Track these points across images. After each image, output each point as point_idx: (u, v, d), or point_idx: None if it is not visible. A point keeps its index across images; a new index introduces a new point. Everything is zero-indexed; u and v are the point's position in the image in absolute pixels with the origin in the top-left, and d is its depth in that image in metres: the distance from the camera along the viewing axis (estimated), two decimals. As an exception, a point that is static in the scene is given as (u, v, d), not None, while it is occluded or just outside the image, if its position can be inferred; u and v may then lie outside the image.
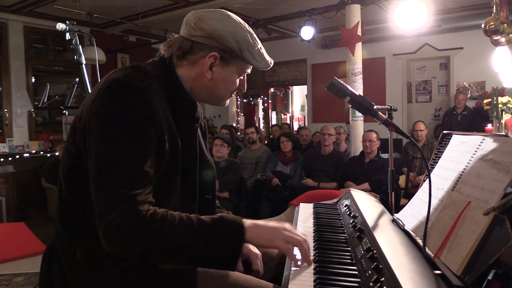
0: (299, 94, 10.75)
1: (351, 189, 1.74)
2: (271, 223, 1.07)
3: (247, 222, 1.03)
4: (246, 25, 1.15)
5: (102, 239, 0.93)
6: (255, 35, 1.16)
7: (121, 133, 0.96)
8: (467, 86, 6.63)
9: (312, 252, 1.09)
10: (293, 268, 1.01)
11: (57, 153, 5.83)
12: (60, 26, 2.37)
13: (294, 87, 10.17)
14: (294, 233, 1.05)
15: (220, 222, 1.00)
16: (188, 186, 1.14)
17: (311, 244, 1.13)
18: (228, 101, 1.24)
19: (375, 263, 0.92)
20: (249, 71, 1.20)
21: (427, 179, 1.11)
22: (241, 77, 1.19)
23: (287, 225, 1.07)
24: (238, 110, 9.37)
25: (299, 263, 1.03)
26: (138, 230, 0.92)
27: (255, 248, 1.21)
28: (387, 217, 1.38)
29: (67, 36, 2.42)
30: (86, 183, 1.01)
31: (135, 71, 1.05)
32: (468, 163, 1.12)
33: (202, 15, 1.12)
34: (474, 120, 5.75)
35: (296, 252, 1.07)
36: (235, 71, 1.15)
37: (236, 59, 1.12)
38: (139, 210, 0.93)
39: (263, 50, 1.16)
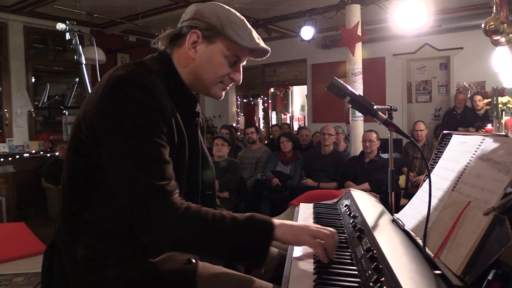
0: (299, 94, 10.74)
1: (351, 189, 1.74)
2: (297, 223, 1.09)
3: (276, 220, 1.06)
4: (238, 13, 1.14)
5: (138, 231, 0.96)
6: (246, 22, 1.14)
7: (135, 129, 0.97)
8: (467, 86, 6.63)
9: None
10: (293, 268, 1.01)
11: (57, 153, 5.83)
12: (60, 26, 2.37)
13: (294, 87, 10.17)
14: (321, 228, 1.07)
15: (251, 220, 1.03)
16: (191, 181, 1.15)
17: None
18: (223, 93, 1.20)
19: (375, 263, 0.92)
20: (243, 58, 1.17)
21: (427, 179, 1.11)
22: (232, 62, 1.15)
23: (313, 224, 1.10)
24: (238, 110, 9.37)
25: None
26: (172, 222, 0.95)
27: None
28: (387, 217, 1.38)
29: (67, 36, 2.42)
30: (92, 180, 1.03)
31: (138, 67, 1.06)
32: (468, 163, 1.12)
33: (196, 4, 1.15)
34: (468, 119, 5.77)
35: (297, 253, 1.08)
36: (220, 51, 1.12)
37: (219, 36, 1.11)
38: (173, 201, 0.97)
39: (255, 34, 1.14)
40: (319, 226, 1.09)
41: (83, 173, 1.06)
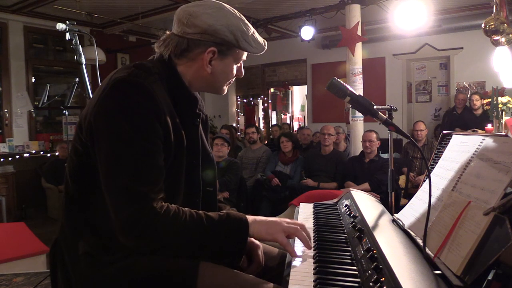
0: (299, 94, 10.74)
1: (351, 189, 1.74)
2: (270, 218, 1.13)
3: (250, 217, 1.09)
4: (237, 12, 1.16)
5: (118, 234, 0.98)
6: (246, 21, 1.17)
7: (130, 131, 0.98)
8: (467, 86, 6.63)
9: (312, 244, 1.14)
10: (293, 267, 1.01)
11: (57, 153, 5.83)
12: (60, 26, 2.38)
13: (294, 87, 10.16)
14: (291, 222, 1.12)
15: (227, 219, 1.06)
16: (191, 181, 1.17)
17: (311, 242, 1.13)
18: (226, 89, 1.26)
19: (375, 263, 0.92)
20: (245, 57, 1.22)
21: (427, 179, 1.11)
22: (238, 64, 1.22)
23: (286, 219, 1.14)
24: (238, 110, 9.37)
25: (300, 251, 1.10)
26: (153, 227, 0.97)
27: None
28: (387, 217, 1.38)
29: (67, 36, 2.42)
30: (91, 180, 1.05)
31: (138, 69, 1.07)
32: (468, 163, 1.12)
33: (194, 10, 1.12)
34: (468, 120, 5.77)
35: (297, 253, 1.09)
36: (233, 61, 1.18)
37: (233, 49, 1.16)
38: (153, 206, 0.98)
39: (256, 34, 1.18)
40: (289, 220, 1.13)
41: (84, 173, 1.08)
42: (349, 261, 1.04)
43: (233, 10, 1.16)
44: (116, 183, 0.98)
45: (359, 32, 4.97)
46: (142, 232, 0.96)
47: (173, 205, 1.03)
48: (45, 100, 4.39)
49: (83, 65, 2.49)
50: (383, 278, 0.86)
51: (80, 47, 2.48)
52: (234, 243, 1.05)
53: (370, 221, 1.24)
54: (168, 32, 1.18)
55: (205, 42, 1.12)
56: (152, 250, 1.02)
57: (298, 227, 1.11)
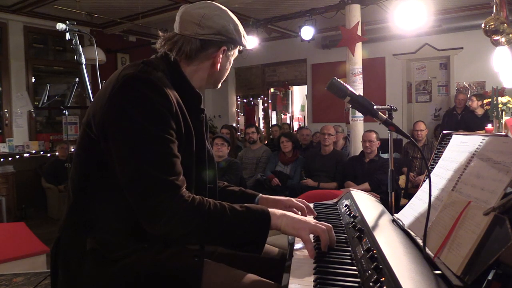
0: (299, 94, 10.74)
1: (351, 189, 1.74)
2: (300, 216, 1.16)
3: (278, 211, 1.13)
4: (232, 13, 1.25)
5: (145, 223, 1.00)
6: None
7: (146, 125, 1.01)
8: (467, 86, 6.63)
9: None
10: (293, 267, 1.01)
11: (57, 153, 5.83)
12: (60, 26, 2.38)
13: (294, 87, 10.16)
14: (319, 223, 1.13)
15: (249, 211, 1.09)
16: (199, 174, 1.19)
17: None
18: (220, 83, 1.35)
19: (375, 263, 0.92)
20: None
21: (427, 179, 1.11)
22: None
23: (312, 220, 1.16)
24: (238, 110, 9.37)
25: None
26: (181, 214, 1.00)
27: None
28: (387, 217, 1.38)
29: (67, 36, 2.42)
30: (96, 178, 1.08)
31: (146, 66, 1.11)
32: (468, 163, 1.12)
33: (205, 13, 1.18)
34: (468, 120, 5.78)
35: (298, 253, 1.09)
36: (232, 56, 1.28)
37: (237, 46, 1.26)
38: (181, 195, 1.02)
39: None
40: (317, 221, 1.14)
41: (92, 169, 1.10)
42: (349, 261, 1.04)
43: (230, 12, 1.24)
44: (142, 175, 0.99)
45: (359, 32, 4.97)
46: (171, 219, 0.99)
47: (197, 195, 1.06)
48: (45, 100, 4.38)
49: (83, 65, 2.49)
50: (383, 278, 0.86)
51: (80, 47, 2.48)
52: (256, 233, 1.07)
53: (370, 221, 1.24)
54: (170, 32, 1.22)
55: (218, 42, 1.19)
56: (177, 237, 1.05)
57: (325, 228, 1.11)
